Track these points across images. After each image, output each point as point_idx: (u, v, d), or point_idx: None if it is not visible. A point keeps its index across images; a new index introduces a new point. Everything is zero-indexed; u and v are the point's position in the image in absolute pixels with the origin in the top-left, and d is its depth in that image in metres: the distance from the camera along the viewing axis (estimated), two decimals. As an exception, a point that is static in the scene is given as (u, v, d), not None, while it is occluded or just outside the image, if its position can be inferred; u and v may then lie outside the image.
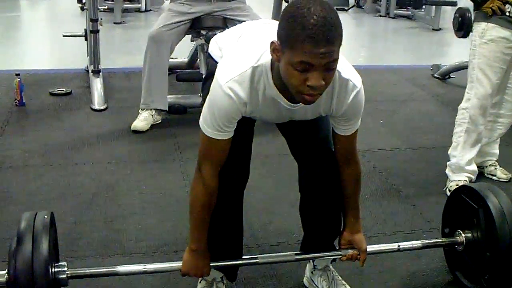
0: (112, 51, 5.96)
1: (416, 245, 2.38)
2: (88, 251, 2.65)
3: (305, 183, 2.25)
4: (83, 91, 4.76)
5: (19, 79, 4.36)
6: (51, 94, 4.69)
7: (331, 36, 1.61)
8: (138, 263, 2.21)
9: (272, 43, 1.71)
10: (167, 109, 4.16)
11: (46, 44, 7.06)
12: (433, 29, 8.28)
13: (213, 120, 1.87)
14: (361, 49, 7.11)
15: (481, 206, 2.24)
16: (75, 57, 5.71)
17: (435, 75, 5.72)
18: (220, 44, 2.12)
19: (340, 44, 1.66)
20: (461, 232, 2.32)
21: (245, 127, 2.07)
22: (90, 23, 4.80)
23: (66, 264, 2.02)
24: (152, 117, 4.10)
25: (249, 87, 1.83)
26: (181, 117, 4.28)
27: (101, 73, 4.77)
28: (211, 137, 1.90)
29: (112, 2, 7.88)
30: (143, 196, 3.17)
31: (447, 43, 8.03)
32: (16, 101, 4.38)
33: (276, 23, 1.77)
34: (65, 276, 2.00)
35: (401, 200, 3.27)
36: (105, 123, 4.19)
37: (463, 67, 5.63)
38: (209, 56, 2.18)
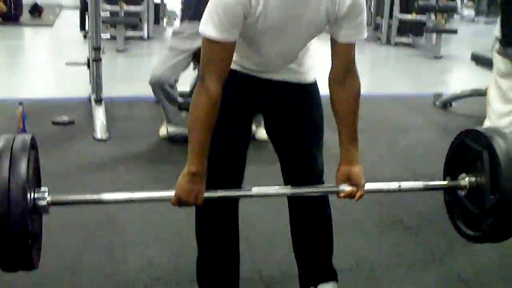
0: (115, 79, 5.99)
1: (417, 186, 2.27)
2: (90, 282, 2.64)
3: (294, 220, 2.32)
4: (86, 120, 4.77)
5: (22, 107, 4.38)
6: (54, 123, 4.70)
7: None
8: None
9: None
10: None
11: (49, 72, 7.10)
12: (434, 57, 8.32)
13: (216, 17, 1.79)
14: (362, 77, 7.03)
15: (486, 148, 2.10)
16: (77, 85, 5.73)
17: (437, 103, 5.74)
18: None
19: None
20: (465, 175, 2.19)
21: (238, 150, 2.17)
22: (93, 51, 4.83)
23: (47, 190, 1.87)
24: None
25: None
26: (182, 146, 4.28)
27: (103, 102, 4.78)
28: (213, 38, 1.81)
29: (115, 30, 7.94)
30: (145, 227, 3.16)
31: (448, 71, 8.07)
32: (18, 129, 4.40)
33: None
34: (45, 202, 1.85)
35: (403, 230, 3.26)
36: (107, 153, 4.20)
37: (464, 96, 5.67)
38: None
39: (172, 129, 4.28)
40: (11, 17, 9.68)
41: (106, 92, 4.96)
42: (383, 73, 7.95)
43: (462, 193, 2.21)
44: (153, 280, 2.67)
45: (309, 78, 2.19)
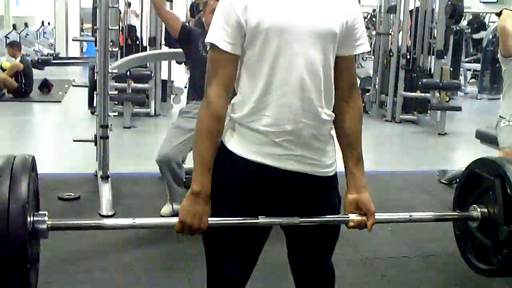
0: (122, 155, 6.03)
1: (428, 217, 2.22)
2: None
3: None
4: (92, 196, 4.78)
5: (28, 184, 4.40)
6: (60, 198, 4.71)
7: None
8: None
9: None
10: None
11: (56, 148, 7.16)
12: (439, 134, 8.36)
13: (219, 25, 1.87)
14: (368, 154, 7.05)
15: (498, 176, 2.05)
16: (84, 161, 5.77)
17: (442, 180, 5.74)
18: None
19: None
20: (476, 207, 2.13)
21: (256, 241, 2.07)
22: (100, 129, 4.89)
23: (47, 213, 1.84)
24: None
25: None
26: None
27: (109, 179, 4.81)
28: (215, 44, 1.86)
29: (122, 107, 8.04)
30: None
31: (453, 148, 8.10)
32: (24, 205, 4.40)
33: None
34: (45, 226, 1.80)
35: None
36: (113, 230, 4.18)
37: (469, 173, 5.67)
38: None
39: (177, 207, 4.27)
40: (21, 93, 9.84)
41: (113, 168, 4.98)
42: (388, 150, 7.98)
43: (473, 224, 2.15)
44: None
45: (330, 171, 2.04)
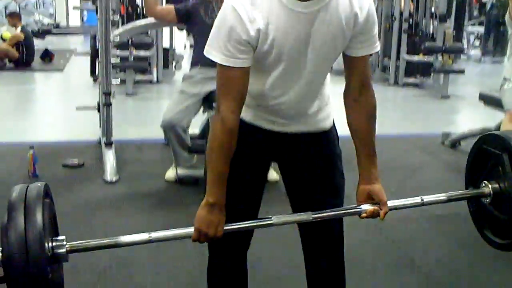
0: (124, 122, 6.02)
1: (440, 198, 2.18)
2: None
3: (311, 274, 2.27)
4: (96, 163, 4.80)
5: (32, 151, 4.42)
6: (64, 166, 4.73)
7: None
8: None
9: None
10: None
11: (59, 116, 7.16)
12: (442, 97, 8.34)
13: (221, 43, 1.78)
14: (371, 118, 7.12)
15: (505, 150, 2.05)
16: (87, 128, 5.78)
17: (445, 143, 5.74)
18: None
19: None
20: (487, 183, 2.12)
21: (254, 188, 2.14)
22: (103, 96, 4.88)
23: (65, 237, 1.84)
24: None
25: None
26: (192, 188, 4.30)
27: (113, 145, 4.82)
28: (223, 64, 1.80)
29: (124, 74, 8.03)
30: (157, 269, 3.15)
31: (456, 111, 8.09)
32: (29, 172, 4.43)
33: None
34: (64, 250, 1.81)
35: (415, 270, 3.24)
36: (117, 195, 4.21)
37: (473, 135, 5.66)
38: None
39: (181, 171, 4.30)
40: (23, 63, 9.82)
41: (116, 135, 4.99)
42: (392, 114, 7.96)
43: (486, 200, 2.15)
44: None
45: (326, 124, 2.12)
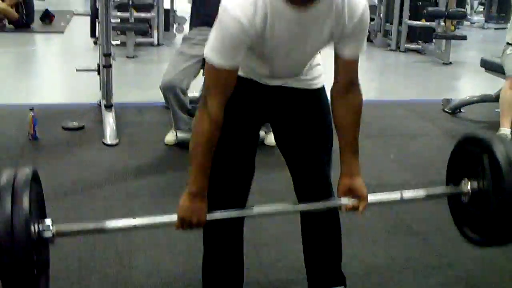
0: (125, 85, 6.01)
1: (419, 195, 2.24)
2: (99, 287, 2.66)
3: (305, 226, 2.35)
4: (96, 126, 4.80)
5: (32, 113, 4.41)
6: (64, 128, 4.73)
7: None
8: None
9: None
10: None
11: (59, 78, 7.15)
12: (443, 63, 8.31)
13: (221, 45, 1.84)
14: (372, 83, 7.13)
15: (485, 151, 2.10)
16: (88, 91, 5.75)
17: (446, 109, 5.73)
18: None
19: None
20: (467, 181, 2.18)
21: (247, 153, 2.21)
22: (103, 57, 4.86)
23: (51, 220, 1.89)
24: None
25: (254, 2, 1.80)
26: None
27: (113, 108, 4.81)
28: (217, 65, 1.85)
29: (125, 36, 7.98)
30: (155, 231, 3.17)
31: (457, 77, 8.06)
32: (29, 135, 4.43)
33: None
34: (50, 234, 1.86)
35: (412, 235, 3.27)
36: (117, 158, 4.22)
37: (473, 102, 5.67)
38: None
39: (181, 135, 4.29)
40: (23, 24, 9.75)
41: (116, 98, 4.98)
42: (392, 79, 7.95)
43: (465, 198, 2.21)
44: (163, 284, 2.69)
45: (317, 84, 2.21)
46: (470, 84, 7.63)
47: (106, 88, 4.86)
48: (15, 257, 1.69)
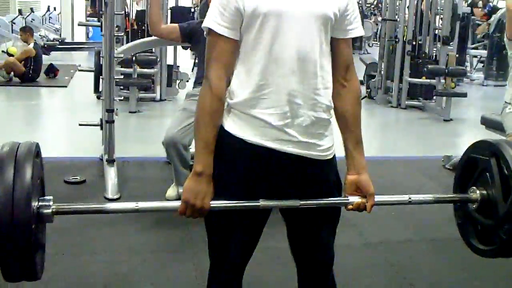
0: (127, 139, 6.05)
1: (427, 199, 2.24)
2: None
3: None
4: (97, 180, 4.81)
5: (35, 167, 4.42)
6: (66, 182, 4.74)
7: None
8: None
9: None
10: None
11: (62, 132, 7.20)
12: (444, 120, 8.35)
13: (217, 11, 1.89)
14: (373, 140, 7.16)
15: (493, 155, 2.08)
16: (90, 145, 5.79)
17: (446, 166, 5.74)
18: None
19: None
20: (475, 189, 2.15)
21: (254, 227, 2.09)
22: (106, 113, 4.91)
23: (52, 198, 1.87)
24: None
25: None
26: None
27: (115, 162, 4.83)
28: (214, 30, 1.89)
29: (128, 92, 8.05)
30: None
31: (458, 134, 8.09)
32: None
33: None
34: (49, 211, 1.83)
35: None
36: (117, 213, 4.21)
37: (474, 159, 5.67)
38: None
39: (182, 190, 4.29)
40: (28, 78, 9.87)
41: (118, 152, 5.01)
42: (394, 136, 7.99)
43: (473, 206, 2.17)
44: None
45: (328, 155, 2.03)
46: (471, 141, 7.58)
47: (109, 143, 4.90)
48: (14, 230, 1.67)
